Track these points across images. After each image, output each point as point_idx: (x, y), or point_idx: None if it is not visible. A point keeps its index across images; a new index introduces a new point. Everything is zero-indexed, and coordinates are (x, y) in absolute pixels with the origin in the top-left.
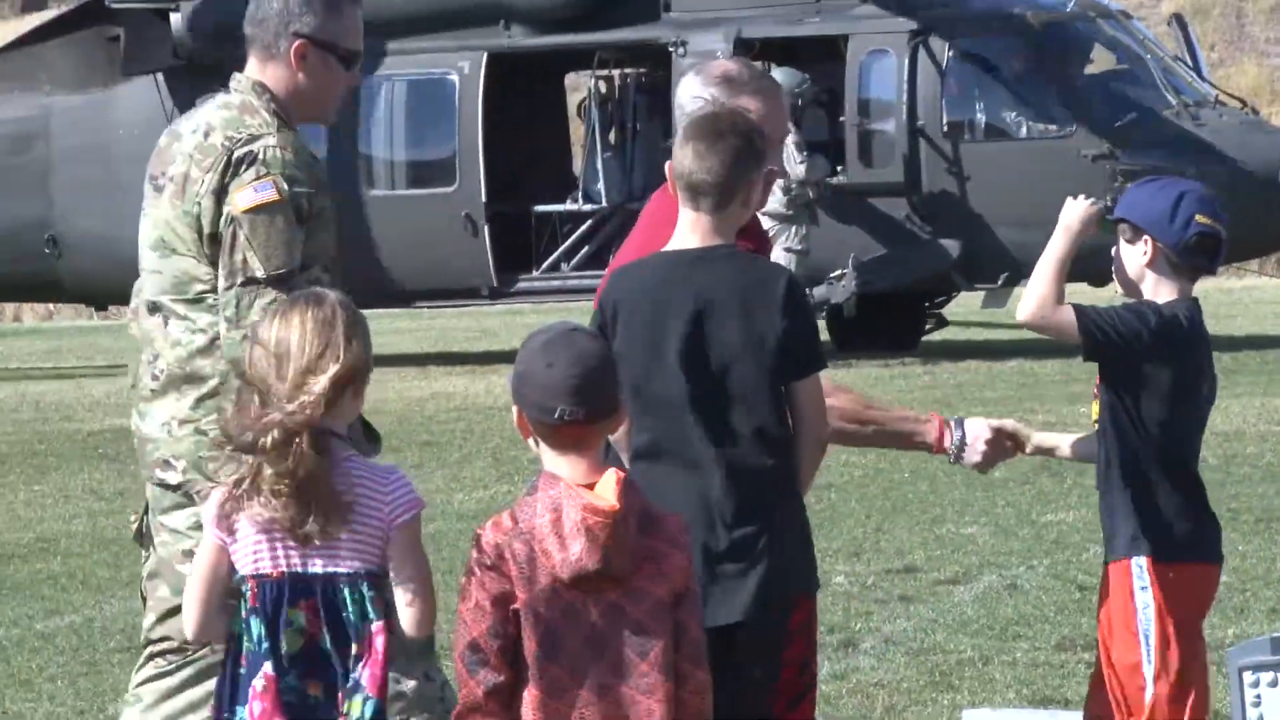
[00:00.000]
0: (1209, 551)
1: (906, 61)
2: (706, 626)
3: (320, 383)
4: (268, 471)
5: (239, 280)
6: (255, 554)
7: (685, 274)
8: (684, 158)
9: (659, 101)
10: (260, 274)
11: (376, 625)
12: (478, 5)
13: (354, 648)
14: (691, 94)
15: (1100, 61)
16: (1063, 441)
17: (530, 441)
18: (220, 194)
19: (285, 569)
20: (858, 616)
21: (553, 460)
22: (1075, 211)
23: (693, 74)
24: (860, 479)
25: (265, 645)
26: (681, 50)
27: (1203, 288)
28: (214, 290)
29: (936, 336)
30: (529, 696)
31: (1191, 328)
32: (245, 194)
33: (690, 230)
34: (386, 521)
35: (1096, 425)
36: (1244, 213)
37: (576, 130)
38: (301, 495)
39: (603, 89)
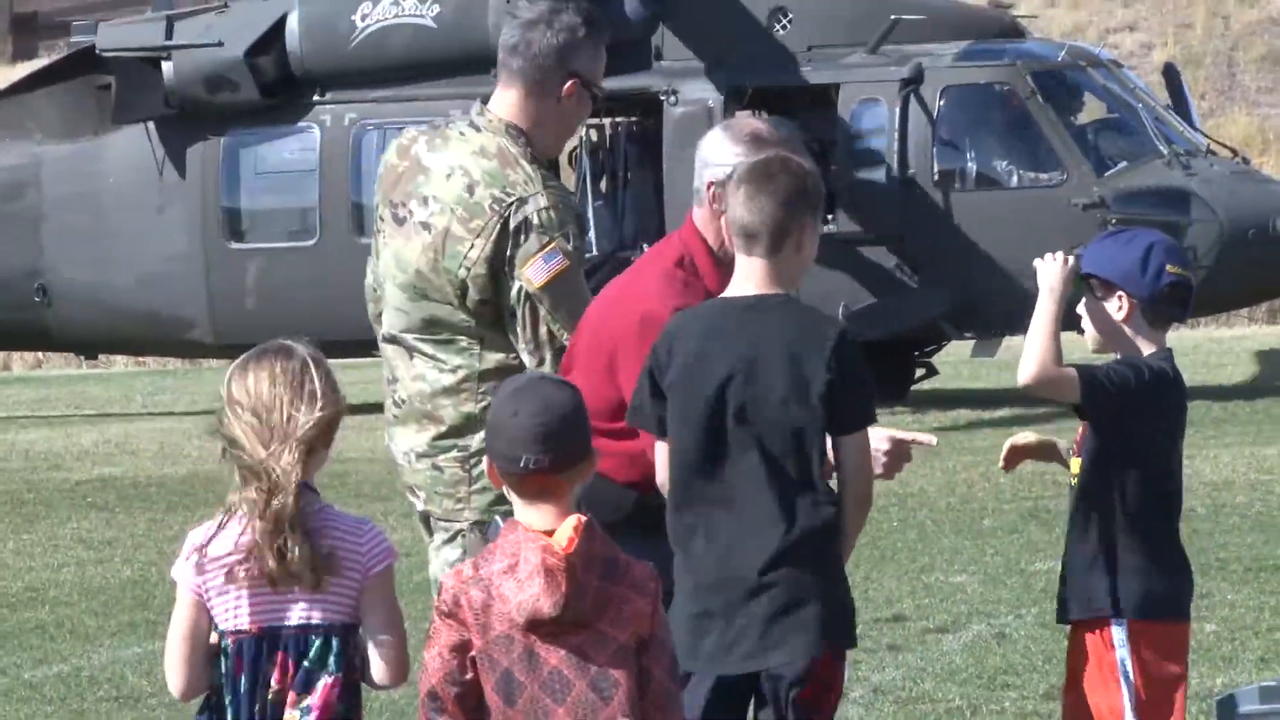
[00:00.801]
0: (1187, 608)
1: (898, 110)
2: (725, 671)
3: (303, 436)
4: (255, 525)
5: (548, 353)
6: (235, 609)
7: (737, 321)
8: (735, 203)
9: (650, 150)
10: (569, 340)
11: (331, 679)
12: (470, 53)
13: (318, 701)
14: (717, 151)
15: (1092, 110)
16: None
17: (504, 491)
18: (495, 262)
19: (263, 624)
20: (846, 666)
21: (519, 509)
22: (1054, 271)
23: (720, 130)
24: None
25: (247, 705)
26: (673, 99)
27: (1193, 337)
28: (465, 334)
29: (925, 385)
30: None
31: (1176, 379)
32: (537, 268)
33: (745, 278)
34: (362, 571)
35: (1074, 482)
36: (1235, 262)
37: (568, 178)
38: (283, 549)
39: (594, 137)
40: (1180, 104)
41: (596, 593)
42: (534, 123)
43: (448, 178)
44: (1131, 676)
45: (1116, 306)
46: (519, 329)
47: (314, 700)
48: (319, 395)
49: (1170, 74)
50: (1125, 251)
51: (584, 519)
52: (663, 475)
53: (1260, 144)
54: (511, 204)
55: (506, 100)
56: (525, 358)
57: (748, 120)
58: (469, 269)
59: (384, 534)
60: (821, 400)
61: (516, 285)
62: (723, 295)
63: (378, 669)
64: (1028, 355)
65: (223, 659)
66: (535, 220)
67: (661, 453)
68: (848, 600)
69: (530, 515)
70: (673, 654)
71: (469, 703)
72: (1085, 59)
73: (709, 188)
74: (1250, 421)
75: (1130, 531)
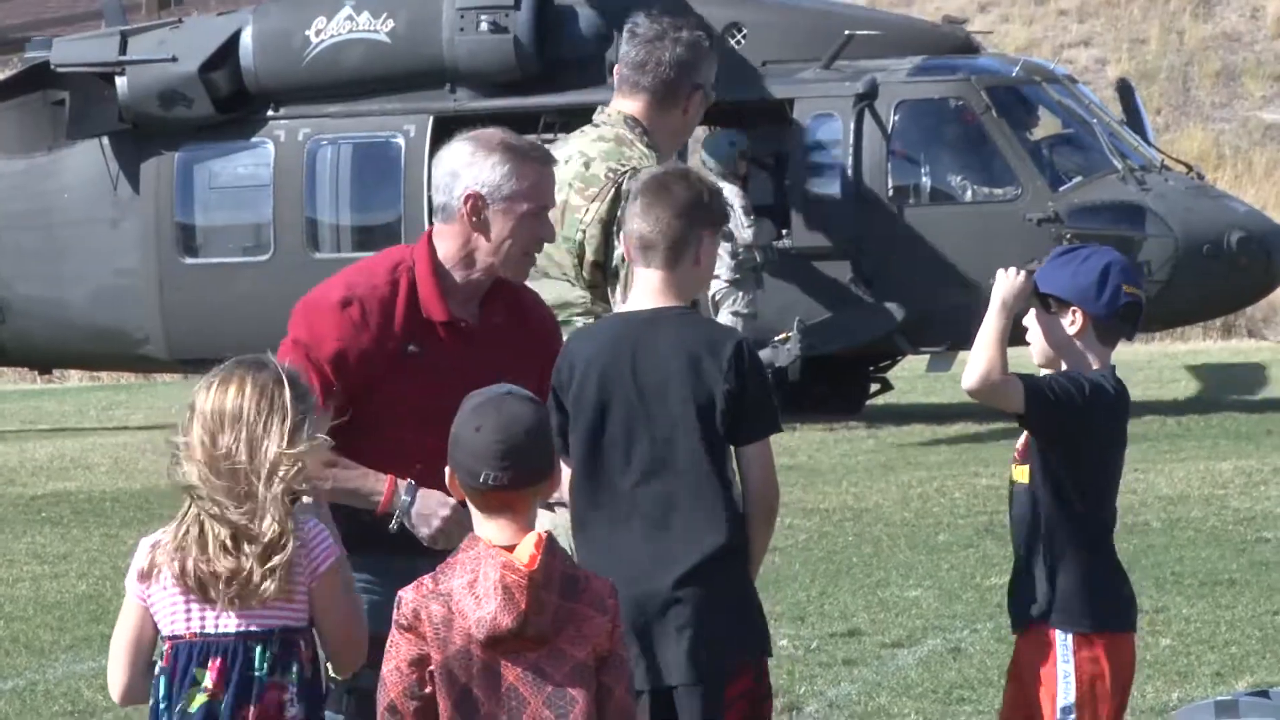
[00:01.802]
0: (1131, 620)
1: (852, 125)
2: (641, 688)
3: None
4: (219, 530)
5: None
6: (173, 614)
7: (636, 335)
8: (633, 215)
9: None
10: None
11: (282, 684)
12: (423, 68)
13: (253, 709)
14: (472, 164)
15: (1047, 126)
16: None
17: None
18: (607, 222)
19: (198, 630)
20: (802, 680)
21: (480, 523)
22: (1008, 285)
23: (468, 142)
24: (804, 542)
25: (165, 704)
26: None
27: (1147, 352)
28: (584, 312)
29: (880, 400)
30: None
31: (1120, 394)
32: None
33: (643, 291)
34: (308, 572)
35: (1013, 489)
36: (1190, 277)
37: None
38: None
39: None
40: (1135, 119)
41: (556, 610)
42: (655, 130)
43: (566, 162)
44: (1073, 684)
45: (1069, 321)
46: (618, 289)
47: (256, 709)
48: (290, 405)
49: (1124, 89)
50: (1082, 271)
51: (544, 535)
52: (567, 493)
53: (1215, 159)
54: (626, 172)
55: (629, 107)
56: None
57: (493, 131)
58: (584, 230)
59: (326, 531)
60: (723, 412)
61: (621, 247)
62: (622, 309)
63: (334, 661)
64: (974, 361)
65: (157, 663)
66: None
67: (565, 471)
68: (747, 613)
69: (489, 530)
70: (631, 671)
71: (428, 717)
72: (1040, 74)
73: (467, 201)
74: (1205, 436)
75: (1071, 542)
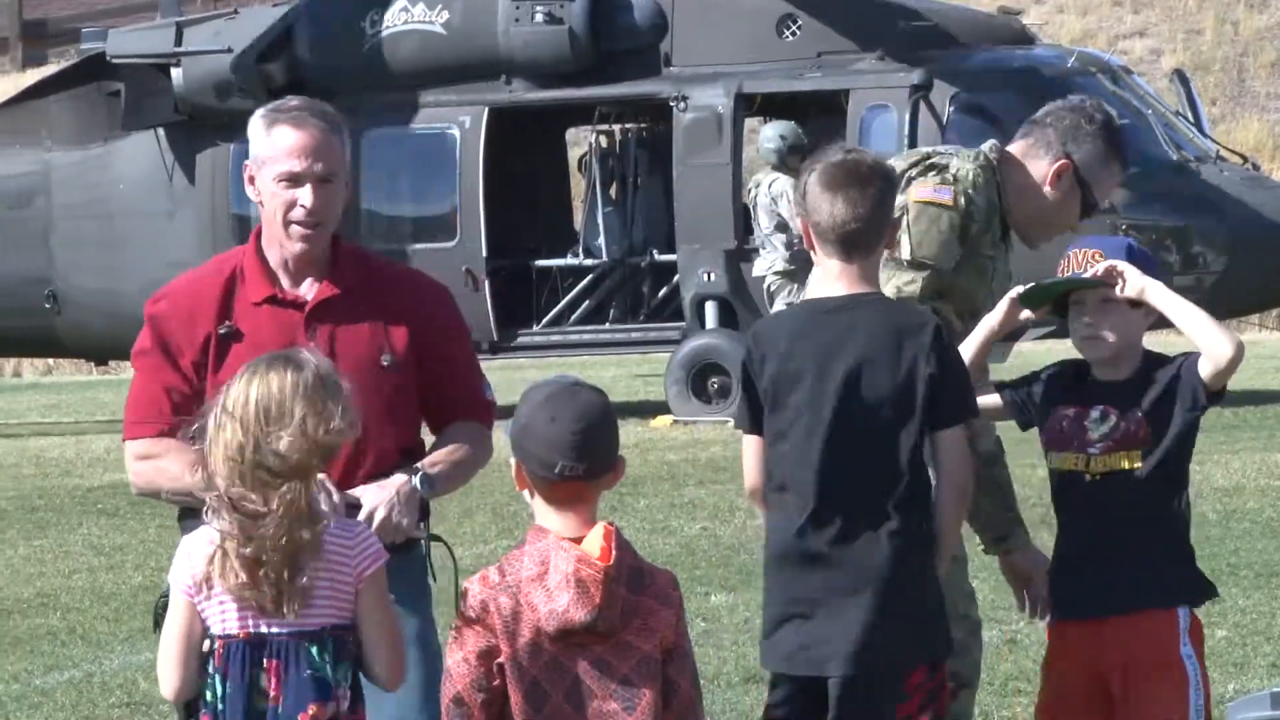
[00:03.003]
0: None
1: (907, 116)
2: (819, 675)
3: (326, 446)
4: (260, 537)
5: (884, 256)
6: (224, 614)
7: (834, 320)
8: (834, 206)
9: (660, 156)
10: (905, 256)
11: (339, 681)
12: (479, 60)
13: (314, 708)
14: (250, 131)
15: None
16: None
17: (525, 494)
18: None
19: (251, 629)
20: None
21: (545, 514)
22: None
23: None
24: None
25: (232, 706)
26: (683, 105)
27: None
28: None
29: None
30: None
31: None
32: (925, 189)
33: (836, 278)
34: (355, 574)
35: (1104, 477)
36: (1245, 268)
37: (577, 184)
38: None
39: (604, 143)
40: (1190, 110)
41: (625, 604)
42: (1017, 182)
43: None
44: (1198, 666)
45: (1144, 314)
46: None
47: (319, 708)
48: (335, 406)
49: (1180, 80)
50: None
51: (612, 528)
52: (753, 476)
53: (1270, 150)
54: (944, 154)
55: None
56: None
57: (283, 99)
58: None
59: (375, 535)
60: (924, 394)
61: (901, 200)
62: (812, 297)
63: (380, 670)
64: (1222, 336)
65: (209, 662)
66: (953, 170)
67: (752, 450)
68: (941, 612)
69: (555, 521)
70: (695, 664)
71: (494, 710)
72: (1095, 65)
73: (246, 172)
74: (1261, 427)
75: (1181, 524)
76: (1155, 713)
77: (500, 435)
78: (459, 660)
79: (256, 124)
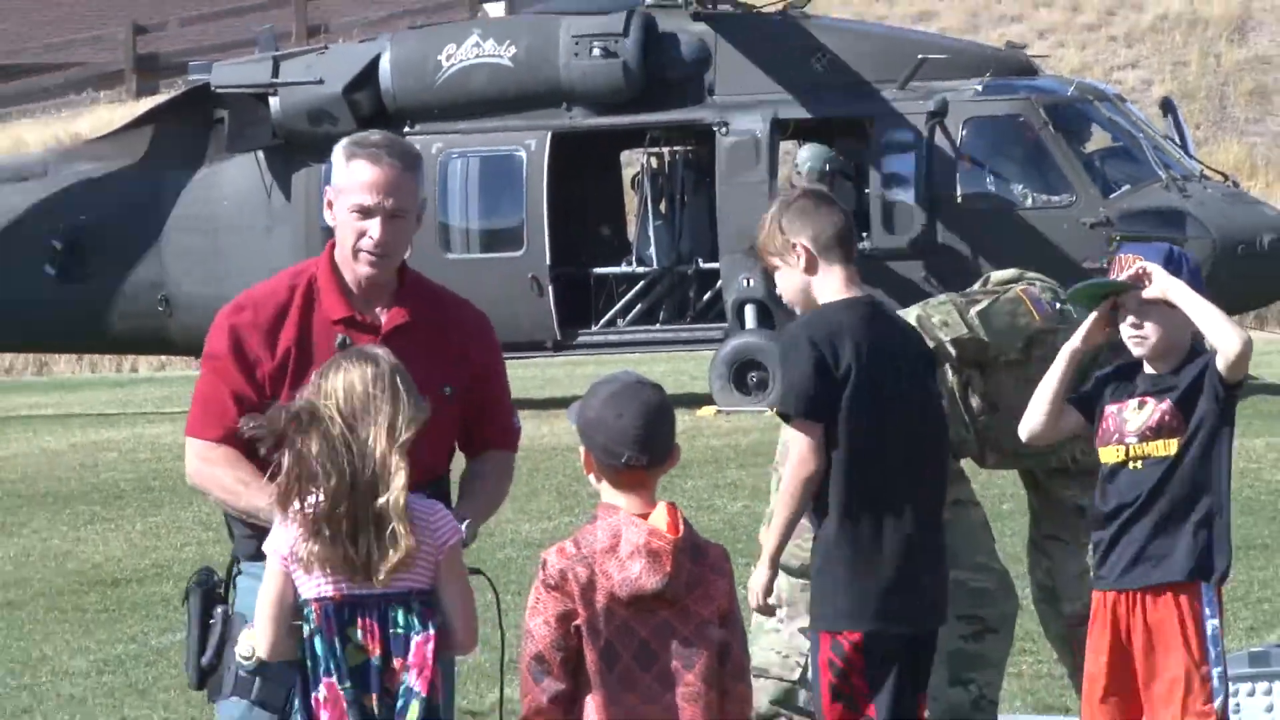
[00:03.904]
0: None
1: (925, 139)
2: (918, 631)
3: (406, 435)
4: (348, 513)
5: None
6: (318, 580)
7: (876, 315)
8: (829, 217)
9: (704, 175)
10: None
11: (423, 635)
12: (542, 90)
13: (399, 660)
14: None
15: (1098, 140)
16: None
17: (591, 477)
18: None
19: (345, 591)
20: None
21: (612, 495)
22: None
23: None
24: None
25: (329, 662)
26: (724, 129)
27: None
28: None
29: None
30: (591, 703)
31: None
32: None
33: (847, 283)
34: (436, 546)
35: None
36: (1226, 275)
37: (630, 201)
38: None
39: (654, 164)
40: (1177, 134)
41: (689, 573)
42: None
43: None
44: (1219, 640)
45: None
46: None
47: (413, 659)
48: (411, 395)
49: (1168, 107)
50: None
51: (674, 505)
52: (814, 462)
53: (1249, 169)
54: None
55: None
56: None
57: (366, 132)
58: None
59: (449, 511)
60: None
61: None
62: (846, 297)
63: (457, 634)
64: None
65: (305, 624)
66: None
67: (816, 440)
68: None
69: (618, 499)
70: (744, 629)
71: (569, 666)
72: (1092, 94)
73: (325, 198)
74: (1240, 416)
75: (1223, 501)
76: (1171, 678)
77: (563, 425)
78: (540, 623)
79: (338, 155)
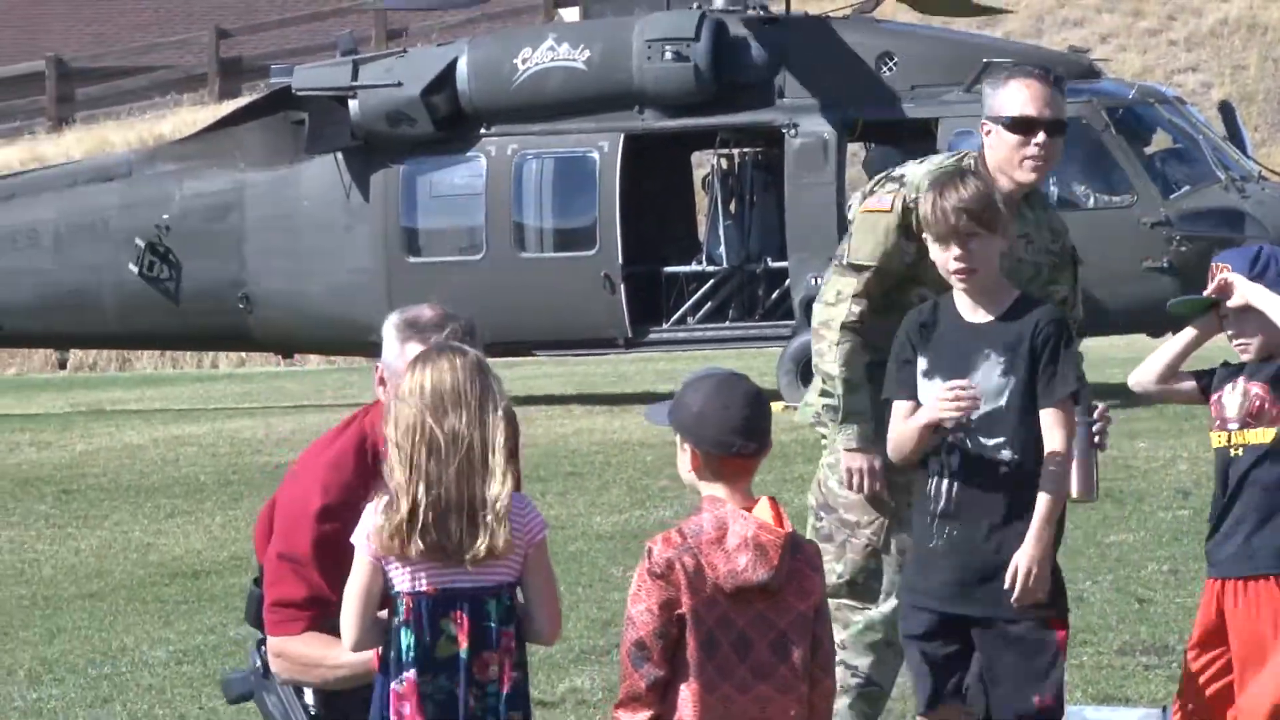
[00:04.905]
0: None
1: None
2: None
3: (504, 429)
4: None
5: (831, 260)
6: (412, 572)
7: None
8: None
9: (773, 176)
10: (844, 261)
11: (509, 630)
12: (615, 93)
13: (489, 654)
14: (385, 335)
15: (1159, 141)
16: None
17: (692, 474)
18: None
19: (439, 585)
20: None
21: (715, 488)
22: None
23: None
24: None
25: (413, 654)
26: (793, 131)
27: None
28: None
29: None
30: (689, 691)
31: None
32: (870, 199)
33: None
34: (525, 540)
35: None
36: None
37: (701, 201)
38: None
39: (724, 165)
40: (1235, 136)
41: (789, 567)
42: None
43: None
44: None
45: None
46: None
47: (500, 652)
48: (499, 388)
49: (1226, 110)
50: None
51: (775, 499)
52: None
53: None
54: (906, 165)
55: None
56: None
57: (415, 311)
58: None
59: (538, 509)
60: None
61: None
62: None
63: (541, 625)
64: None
65: (395, 618)
66: (906, 175)
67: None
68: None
69: (724, 493)
70: (832, 623)
71: (669, 654)
72: (1153, 96)
73: (378, 374)
74: None
75: None
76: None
77: (634, 420)
78: (642, 610)
79: (390, 334)
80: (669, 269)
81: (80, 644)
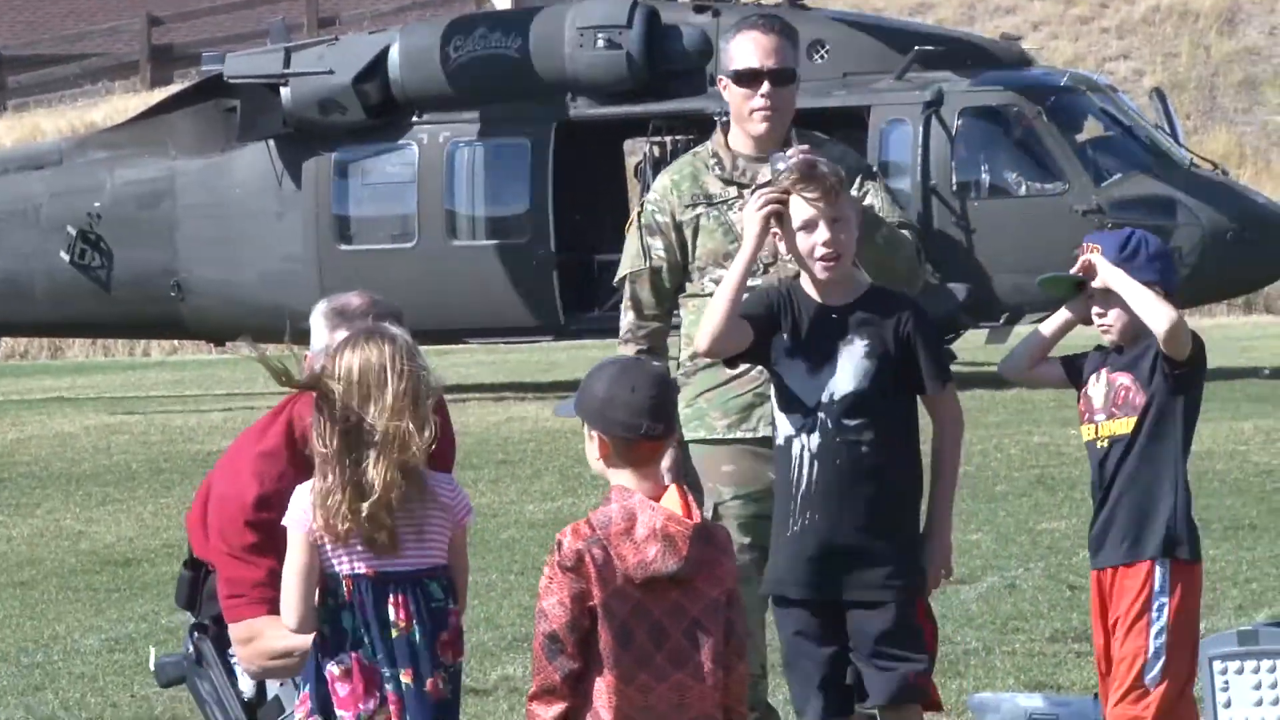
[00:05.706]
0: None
1: (921, 129)
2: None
3: (425, 412)
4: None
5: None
6: (350, 557)
7: None
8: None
9: None
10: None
11: (454, 608)
12: (547, 80)
13: (445, 634)
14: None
15: (1091, 129)
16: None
17: (600, 463)
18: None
19: (377, 568)
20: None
21: (624, 477)
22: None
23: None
24: None
25: (357, 635)
26: (725, 118)
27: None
28: None
29: None
30: (604, 683)
31: None
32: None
33: None
34: (453, 521)
35: (1109, 441)
36: (1215, 261)
37: (634, 188)
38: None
39: (656, 153)
40: (1168, 123)
41: (700, 555)
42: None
43: None
44: (1166, 617)
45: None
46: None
47: (450, 633)
48: (426, 373)
49: (1159, 97)
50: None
51: (683, 487)
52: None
53: (1238, 158)
54: None
55: None
56: None
57: (344, 299)
58: None
59: (463, 490)
60: None
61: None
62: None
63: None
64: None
65: (330, 598)
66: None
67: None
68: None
69: (628, 480)
70: (744, 606)
71: (582, 646)
72: (1085, 84)
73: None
74: (1229, 399)
75: (1176, 480)
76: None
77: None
78: (554, 603)
79: (319, 322)
80: (601, 257)
81: (12, 632)
